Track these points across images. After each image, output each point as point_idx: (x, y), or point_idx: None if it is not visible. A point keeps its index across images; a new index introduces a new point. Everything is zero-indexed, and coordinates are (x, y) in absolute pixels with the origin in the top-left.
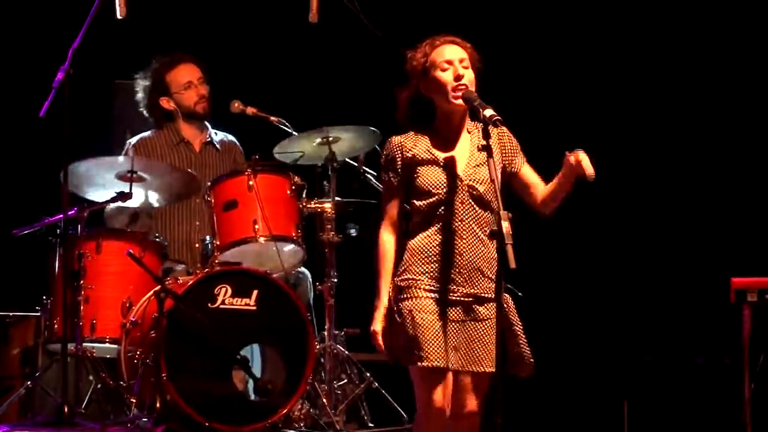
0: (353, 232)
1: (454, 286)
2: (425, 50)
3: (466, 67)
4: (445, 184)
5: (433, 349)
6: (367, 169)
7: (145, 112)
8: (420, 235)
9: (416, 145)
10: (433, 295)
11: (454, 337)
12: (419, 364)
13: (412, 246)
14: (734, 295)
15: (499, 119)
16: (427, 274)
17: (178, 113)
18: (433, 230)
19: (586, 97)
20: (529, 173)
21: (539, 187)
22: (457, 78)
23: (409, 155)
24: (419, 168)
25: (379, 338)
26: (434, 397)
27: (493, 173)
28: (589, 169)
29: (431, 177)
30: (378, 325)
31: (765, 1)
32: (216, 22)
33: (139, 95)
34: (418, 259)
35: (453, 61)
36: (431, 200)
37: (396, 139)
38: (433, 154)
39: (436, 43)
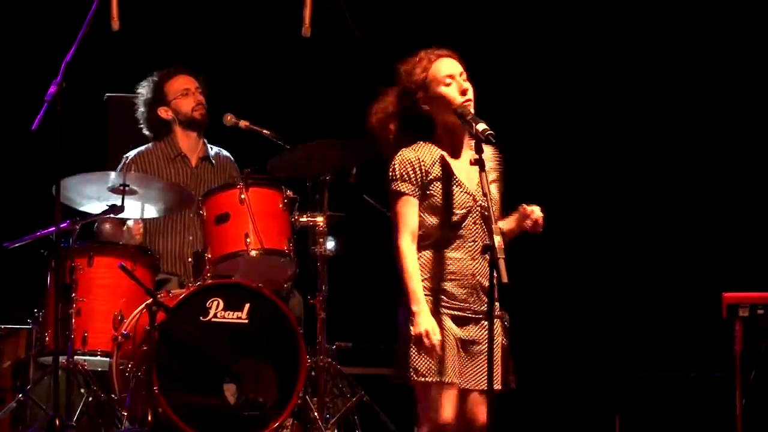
0: (331, 247)
1: (466, 305)
2: (424, 65)
3: (465, 80)
4: (465, 204)
5: (451, 366)
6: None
7: (144, 129)
8: (431, 253)
9: (431, 159)
10: (448, 312)
11: (465, 356)
12: (440, 380)
13: (422, 264)
14: (726, 310)
15: (491, 134)
16: (441, 293)
17: (175, 122)
18: (443, 248)
19: (570, 120)
20: (497, 202)
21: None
22: (463, 92)
23: (426, 169)
24: (437, 184)
25: (428, 340)
26: (444, 414)
27: (485, 187)
28: (538, 228)
29: (451, 196)
30: (424, 326)
31: (764, 1)
32: (209, 36)
33: (140, 109)
34: (433, 278)
35: (454, 75)
36: (451, 219)
37: (411, 153)
38: (450, 171)
39: (432, 57)
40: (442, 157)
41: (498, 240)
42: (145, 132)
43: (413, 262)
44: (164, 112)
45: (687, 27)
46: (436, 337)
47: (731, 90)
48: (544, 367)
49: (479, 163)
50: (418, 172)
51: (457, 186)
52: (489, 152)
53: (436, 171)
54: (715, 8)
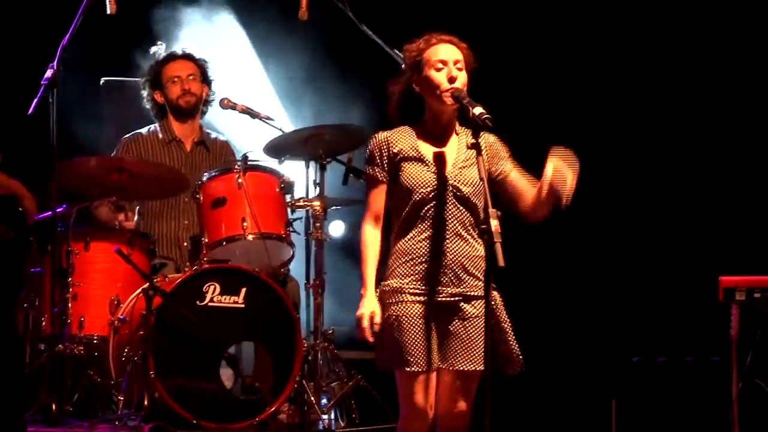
0: (342, 231)
1: (441, 287)
2: (419, 45)
3: (460, 69)
4: (429, 184)
5: (417, 354)
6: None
7: (147, 105)
8: (405, 237)
9: (403, 141)
10: (420, 297)
11: (442, 338)
12: (404, 369)
13: (397, 249)
14: (723, 294)
15: (488, 118)
16: (412, 277)
17: (167, 109)
18: (417, 231)
19: (575, 96)
20: (517, 179)
21: (525, 196)
22: (451, 80)
23: (395, 151)
24: (404, 165)
25: (365, 322)
26: (416, 400)
27: (482, 171)
28: (565, 191)
29: (416, 175)
30: (366, 309)
31: (765, 1)
32: (208, 20)
33: (142, 90)
34: (404, 262)
35: (447, 62)
36: (415, 199)
37: (382, 135)
38: (419, 152)
39: (432, 40)
40: (414, 140)
41: (495, 224)
42: (146, 107)
43: (369, 245)
44: (159, 96)
45: (676, 19)
46: (375, 319)
47: (727, 80)
48: (539, 352)
49: (476, 147)
50: (385, 153)
51: (422, 165)
52: (490, 138)
53: (406, 151)
54: (714, 8)
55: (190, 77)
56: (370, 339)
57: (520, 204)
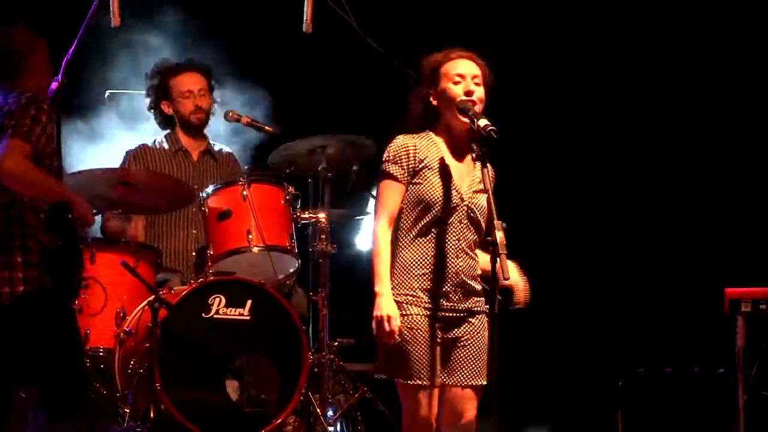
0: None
1: (448, 302)
2: (438, 58)
3: (477, 84)
4: (448, 201)
5: (422, 367)
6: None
7: (149, 113)
8: (413, 247)
9: (429, 149)
10: (427, 311)
11: (447, 352)
12: (407, 381)
13: (405, 259)
14: (728, 305)
15: (493, 129)
16: (421, 290)
17: (175, 120)
18: (427, 244)
19: (578, 111)
20: None
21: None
22: (468, 93)
23: (421, 157)
24: (428, 175)
25: (387, 325)
26: (420, 413)
27: (487, 183)
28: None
29: (437, 189)
30: (387, 310)
31: (765, 1)
32: (210, 31)
33: (146, 95)
34: (413, 274)
35: (465, 76)
36: (433, 212)
37: (408, 139)
38: (445, 166)
39: (452, 55)
40: (440, 151)
41: (500, 236)
42: (149, 111)
43: (385, 245)
44: (166, 107)
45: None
46: (395, 323)
47: (733, 86)
48: (545, 363)
49: (482, 158)
50: (411, 158)
51: (445, 181)
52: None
53: (430, 161)
54: (713, 8)
55: (201, 92)
56: (395, 339)
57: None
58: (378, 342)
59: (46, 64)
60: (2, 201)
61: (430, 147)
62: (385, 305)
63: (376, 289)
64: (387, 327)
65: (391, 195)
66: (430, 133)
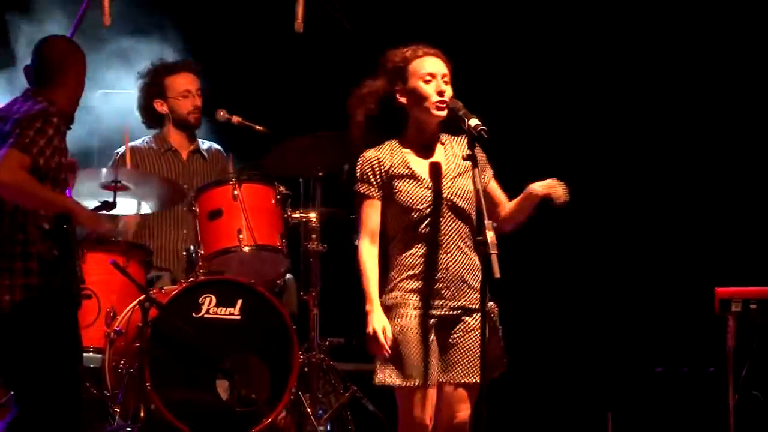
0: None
1: (442, 301)
2: (406, 55)
3: (446, 83)
4: (425, 200)
5: (418, 368)
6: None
7: (137, 112)
8: (405, 252)
9: (392, 157)
10: (421, 312)
11: (443, 351)
12: (401, 383)
13: (397, 263)
14: (719, 305)
15: (484, 129)
16: (414, 291)
17: (169, 119)
18: (416, 246)
19: (567, 115)
20: (495, 189)
21: (503, 205)
22: (440, 93)
23: (386, 168)
24: (398, 183)
25: (381, 338)
26: (416, 413)
27: (477, 183)
28: (557, 193)
29: (412, 193)
30: (377, 324)
31: (765, 1)
32: (201, 31)
33: (136, 93)
34: (406, 277)
35: (436, 75)
36: (413, 216)
37: (371, 153)
38: (410, 168)
39: (419, 52)
40: (403, 156)
41: (491, 235)
42: (137, 114)
43: (369, 264)
44: (160, 105)
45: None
46: (385, 337)
47: (724, 86)
48: (536, 363)
49: (472, 159)
50: (377, 171)
51: (416, 182)
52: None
53: (397, 169)
54: (713, 9)
55: (198, 92)
56: (387, 353)
57: (498, 211)
58: (372, 354)
59: (81, 79)
60: (8, 208)
61: (393, 154)
62: (376, 320)
63: (366, 308)
64: (378, 340)
65: (369, 213)
66: (391, 139)
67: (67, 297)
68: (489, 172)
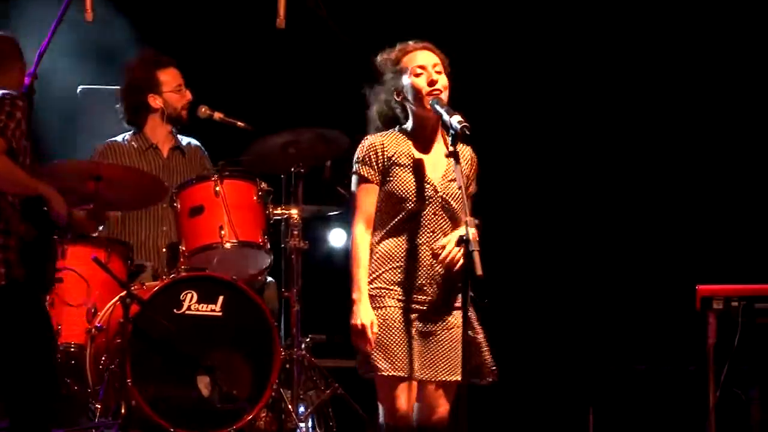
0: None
1: (424, 296)
2: (397, 54)
3: (439, 72)
4: (421, 194)
5: (398, 359)
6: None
7: (121, 111)
8: (389, 242)
9: (396, 146)
10: (403, 304)
11: (422, 347)
12: (383, 373)
13: (381, 253)
14: (700, 303)
15: (467, 126)
16: (397, 284)
17: (159, 114)
18: (404, 238)
19: (552, 116)
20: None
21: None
22: (431, 83)
23: (389, 155)
24: (397, 171)
25: (369, 333)
26: (398, 405)
27: (460, 180)
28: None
29: (408, 184)
30: (364, 318)
31: (765, 1)
32: (182, 27)
33: (123, 89)
34: (389, 268)
35: (426, 66)
36: (405, 207)
37: (375, 138)
38: (413, 160)
39: (408, 48)
40: (408, 147)
41: (473, 232)
42: (120, 114)
43: (363, 249)
44: (153, 100)
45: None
46: (371, 330)
47: (711, 83)
48: (517, 359)
49: (454, 155)
50: (381, 157)
51: (417, 175)
52: (467, 153)
53: (400, 158)
54: (712, 10)
55: (186, 87)
56: (371, 348)
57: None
58: (354, 345)
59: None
60: None
61: (399, 143)
62: (363, 313)
63: (354, 296)
64: (366, 335)
65: (366, 197)
66: (397, 129)
67: (40, 282)
68: (473, 186)
